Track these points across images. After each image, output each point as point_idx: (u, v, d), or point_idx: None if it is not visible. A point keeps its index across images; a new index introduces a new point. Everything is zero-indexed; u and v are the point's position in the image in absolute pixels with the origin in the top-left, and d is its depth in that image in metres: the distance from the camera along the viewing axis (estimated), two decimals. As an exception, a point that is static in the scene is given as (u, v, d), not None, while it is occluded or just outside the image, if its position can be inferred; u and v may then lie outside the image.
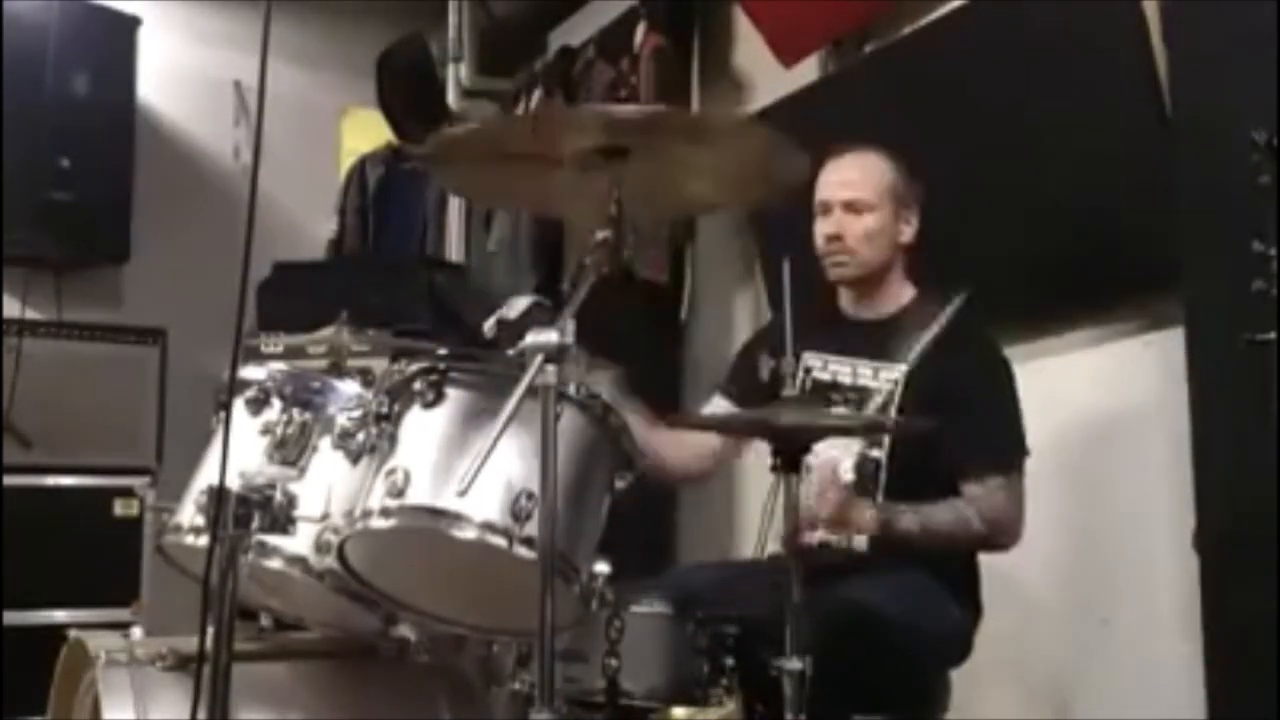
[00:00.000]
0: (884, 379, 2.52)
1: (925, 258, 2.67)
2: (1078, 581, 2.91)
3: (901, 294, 2.63)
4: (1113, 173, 2.74)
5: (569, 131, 1.90)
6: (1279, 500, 2.06)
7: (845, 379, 2.56)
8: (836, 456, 2.45)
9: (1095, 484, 2.86)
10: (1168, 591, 2.59)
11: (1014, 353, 2.88)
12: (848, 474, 2.51)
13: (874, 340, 2.57)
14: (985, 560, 2.54)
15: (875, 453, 2.50)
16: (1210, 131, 2.31)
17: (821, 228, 2.59)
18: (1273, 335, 1.99)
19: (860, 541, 2.48)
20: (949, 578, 2.46)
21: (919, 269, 2.65)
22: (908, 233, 2.59)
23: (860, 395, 2.53)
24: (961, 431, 2.31)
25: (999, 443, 2.45)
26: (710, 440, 2.75)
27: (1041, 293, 2.98)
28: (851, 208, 2.56)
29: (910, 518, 2.39)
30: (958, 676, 2.48)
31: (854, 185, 2.57)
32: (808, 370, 2.58)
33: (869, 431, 2.49)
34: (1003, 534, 2.44)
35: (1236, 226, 2.09)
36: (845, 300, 2.66)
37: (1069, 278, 2.89)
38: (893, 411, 2.49)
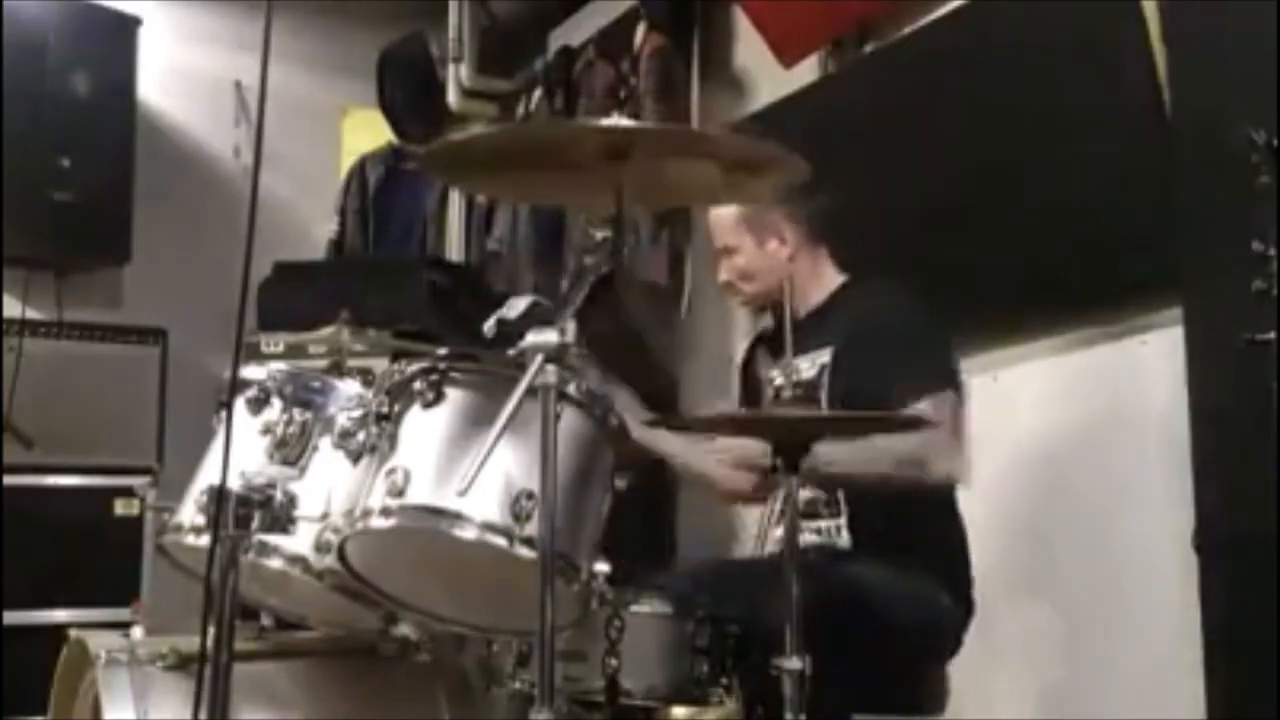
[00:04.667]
0: (817, 364, 2.56)
1: (917, 255, 2.67)
2: (1078, 581, 2.91)
3: (823, 288, 2.67)
4: (1112, 172, 2.74)
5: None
6: (1279, 500, 2.06)
7: (789, 377, 2.58)
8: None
9: (1095, 484, 2.85)
10: (1168, 592, 2.59)
11: (1013, 353, 2.89)
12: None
13: (805, 332, 2.59)
14: (983, 560, 2.54)
15: None
16: (1210, 131, 2.31)
17: (719, 275, 2.74)
18: (1273, 335, 1.99)
19: (843, 540, 2.49)
20: (937, 569, 2.46)
21: (843, 256, 2.70)
22: (786, 248, 2.65)
23: (805, 389, 2.54)
24: (882, 375, 2.37)
25: (916, 370, 2.43)
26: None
27: (1041, 292, 2.98)
28: (726, 252, 2.69)
29: (841, 451, 2.32)
30: (957, 676, 2.49)
31: (715, 232, 2.71)
32: (770, 380, 2.67)
33: (861, 428, 2.50)
34: (933, 449, 2.35)
35: (1236, 226, 2.09)
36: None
37: (1069, 277, 2.89)
38: (823, 392, 2.52)
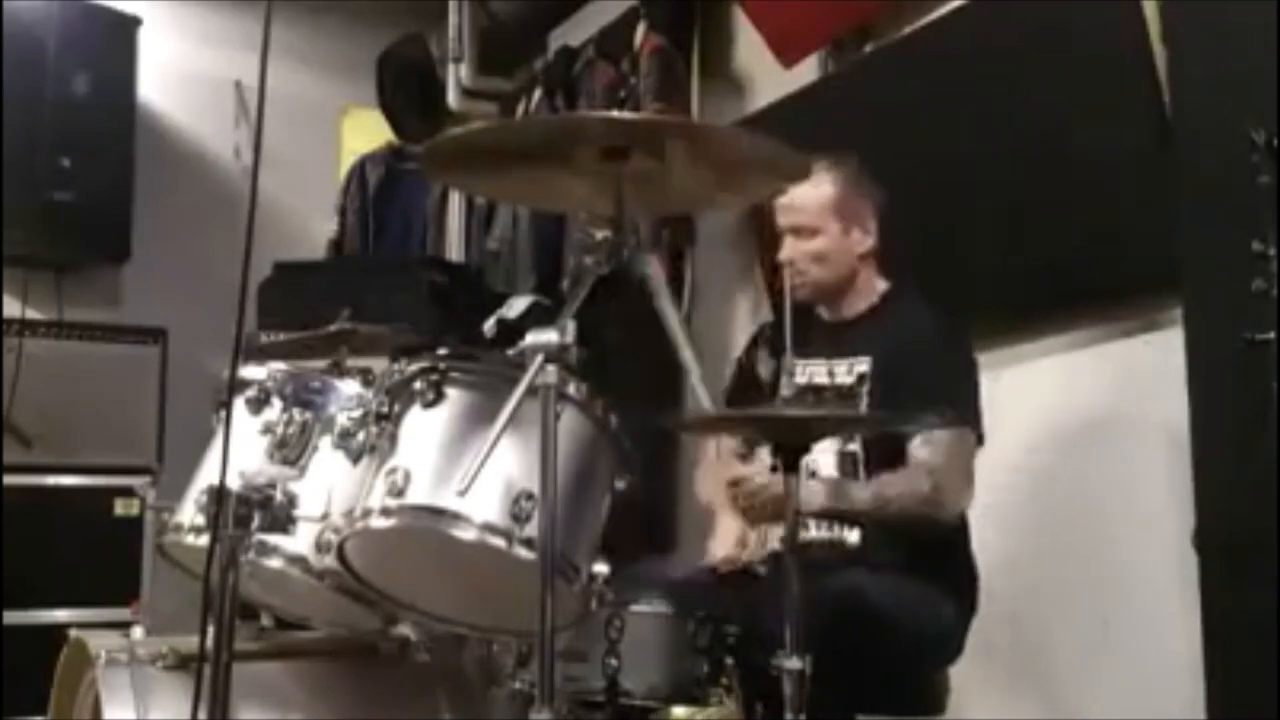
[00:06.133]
0: (856, 373, 2.54)
1: (919, 256, 2.66)
2: (1078, 581, 2.91)
3: (871, 292, 2.65)
4: (1113, 172, 2.74)
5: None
6: (1279, 500, 2.06)
7: (822, 379, 2.58)
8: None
9: (1095, 484, 2.85)
10: (1168, 591, 2.59)
11: (1014, 352, 2.89)
12: (828, 470, 2.54)
13: (847, 338, 2.60)
14: (983, 559, 2.54)
15: (852, 446, 2.53)
16: (1210, 131, 2.31)
17: (780, 253, 2.64)
18: (1273, 335, 1.99)
19: (852, 536, 2.50)
20: (943, 574, 2.46)
21: (890, 265, 2.67)
22: (864, 243, 2.61)
23: (838, 392, 2.54)
24: (911, 400, 2.37)
25: (942, 402, 2.43)
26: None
27: (1041, 292, 2.98)
28: (798, 233, 2.60)
29: (860, 489, 2.41)
30: (958, 676, 2.49)
31: (795, 211, 2.60)
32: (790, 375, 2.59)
33: (862, 428, 2.51)
34: (947, 490, 2.41)
35: (1236, 226, 2.09)
36: (819, 306, 2.67)
37: (1069, 277, 2.89)
38: (863, 402, 2.51)
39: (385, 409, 2.00)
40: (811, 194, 2.55)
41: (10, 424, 3.95)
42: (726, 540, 2.58)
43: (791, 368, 2.33)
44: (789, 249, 2.61)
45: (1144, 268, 2.69)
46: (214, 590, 1.81)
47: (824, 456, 2.54)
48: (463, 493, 1.77)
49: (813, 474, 2.56)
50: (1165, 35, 2.54)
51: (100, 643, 2.24)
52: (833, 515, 2.44)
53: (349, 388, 2.16)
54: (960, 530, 2.53)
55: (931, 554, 2.45)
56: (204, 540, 1.95)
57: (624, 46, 4.29)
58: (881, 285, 2.66)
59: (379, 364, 2.44)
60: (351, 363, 2.63)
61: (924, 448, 2.42)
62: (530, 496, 1.80)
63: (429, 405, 1.95)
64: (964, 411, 2.46)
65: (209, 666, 1.79)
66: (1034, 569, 2.87)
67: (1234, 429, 2.24)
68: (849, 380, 2.54)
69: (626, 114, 3.32)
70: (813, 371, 2.59)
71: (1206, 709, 2.26)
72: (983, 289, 3.01)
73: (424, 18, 5.07)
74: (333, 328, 2.70)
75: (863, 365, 2.54)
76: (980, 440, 2.47)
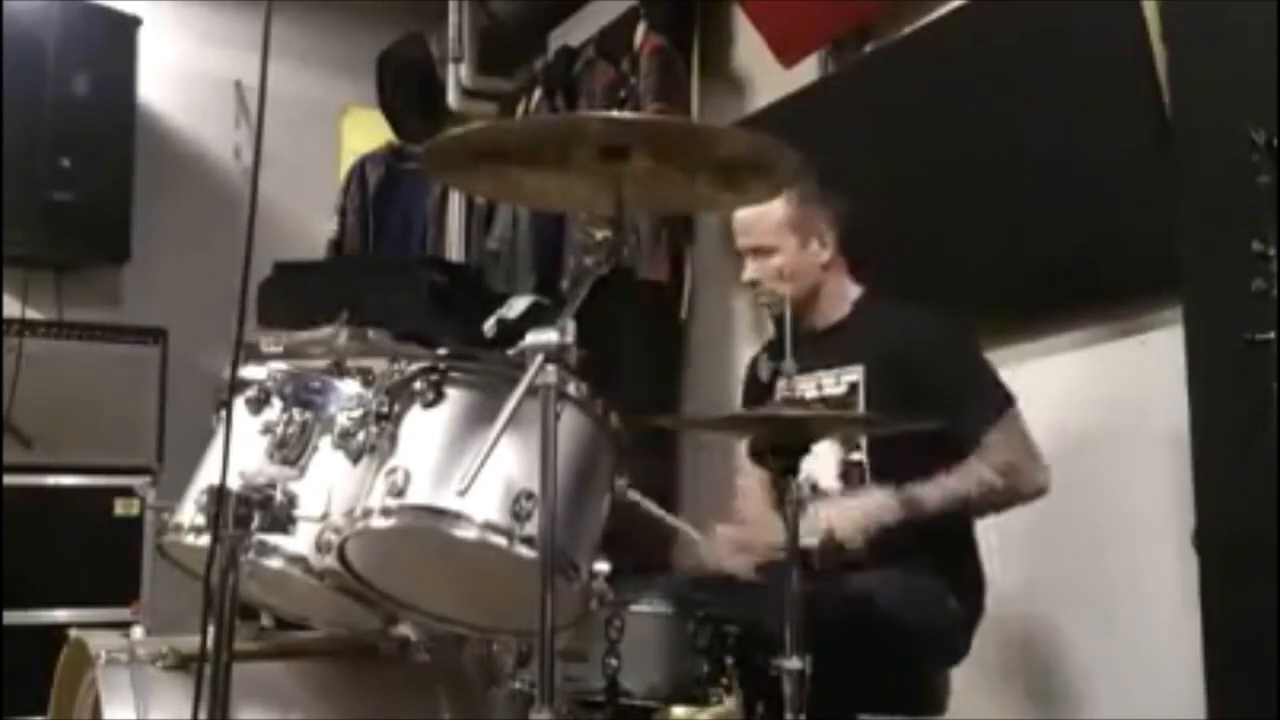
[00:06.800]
0: (845, 381, 2.54)
1: (918, 256, 2.65)
2: (1078, 581, 2.91)
3: (844, 299, 2.65)
4: (1112, 172, 2.74)
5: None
6: (1279, 500, 2.06)
7: (811, 392, 2.57)
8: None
9: (1095, 484, 2.85)
10: (1168, 591, 2.59)
11: (1013, 352, 2.89)
12: (829, 481, 2.53)
13: (828, 346, 2.59)
14: (986, 559, 2.54)
15: (855, 455, 2.52)
16: (1210, 131, 2.31)
17: (744, 275, 2.66)
18: (1272, 335, 1.99)
19: (858, 539, 2.49)
20: (949, 573, 2.46)
21: (862, 268, 2.68)
22: (825, 254, 2.61)
23: (828, 403, 2.54)
24: (941, 405, 2.33)
25: (979, 398, 2.46)
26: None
27: (1041, 292, 2.98)
28: (757, 253, 2.62)
29: (931, 491, 2.39)
30: (958, 676, 2.49)
31: (750, 232, 2.62)
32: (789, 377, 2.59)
33: (862, 428, 2.51)
34: (1021, 479, 2.44)
35: (1236, 226, 2.09)
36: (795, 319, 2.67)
37: (1069, 277, 2.89)
38: (859, 409, 2.51)
39: (385, 409, 2.00)
40: (764, 214, 2.56)
41: (10, 424, 3.95)
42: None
43: (790, 371, 2.34)
44: (751, 270, 2.63)
45: (1144, 268, 2.69)
46: (214, 590, 1.81)
47: (824, 467, 2.54)
48: (463, 492, 1.77)
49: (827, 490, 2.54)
50: (1165, 35, 2.54)
51: (100, 643, 2.23)
52: (911, 524, 2.40)
53: (349, 388, 2.16)
54: (967, 531, 2.53)
55: (939, 554, 2.45)
56: (204, 540, 1.95)
57: (624, 46, 4.29)
58: (854, 291, 2.66)
59: (379, 364, 2.44)
60: (351, 363, 2.63)
61: (977, 448, 2.42)
62: (530, 496, 1.80)
63: (429, 405, 1.95)
64: (991, 395, 2.46)
65: (209, 666, 1.79)
66: (1034, 569, 2.87)
67: (1234, 429, 2.23)
68: (839, 391, 2.54)
69: (626, 114, 3.33)
70: (801, 387, 2.57)
71: (1206, 709, 2.26)
72: (982, 289, 3.01)
73: (424, 17, 5.07)
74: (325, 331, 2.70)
75: (852, 375, 2.53)
76: (1012, 402, 2.47)
